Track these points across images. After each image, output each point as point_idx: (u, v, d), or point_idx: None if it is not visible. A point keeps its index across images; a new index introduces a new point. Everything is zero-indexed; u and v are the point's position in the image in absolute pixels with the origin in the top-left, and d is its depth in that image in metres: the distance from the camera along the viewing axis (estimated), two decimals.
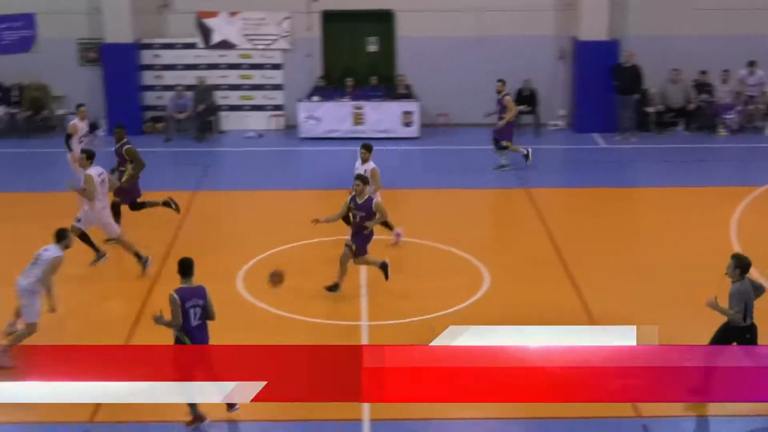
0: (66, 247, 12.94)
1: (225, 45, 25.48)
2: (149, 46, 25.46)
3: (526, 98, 24.93)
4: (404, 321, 13.95)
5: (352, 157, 22.75)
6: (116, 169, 17.26)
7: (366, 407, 11.49)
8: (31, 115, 24.80)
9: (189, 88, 25.11)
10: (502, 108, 21.33)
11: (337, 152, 23.55)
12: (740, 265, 11.25)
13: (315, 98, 24.94)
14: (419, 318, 13.99)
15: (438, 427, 11.44)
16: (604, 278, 15.50)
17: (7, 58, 24.83)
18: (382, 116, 24.65)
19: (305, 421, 11.31)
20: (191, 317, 10.86)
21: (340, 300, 14.69)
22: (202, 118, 24.92)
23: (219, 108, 25.46)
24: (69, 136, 18.97)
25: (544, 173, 22.11)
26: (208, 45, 25.49)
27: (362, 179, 14.77)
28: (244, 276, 15.56)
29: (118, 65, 24.88)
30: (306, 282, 14.96)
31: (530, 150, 21.51)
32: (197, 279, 11.12)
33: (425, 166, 22.73)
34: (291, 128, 25.22)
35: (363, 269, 15.63)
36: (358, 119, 24.64)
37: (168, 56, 25.55)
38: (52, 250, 12.82)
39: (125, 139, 17.47)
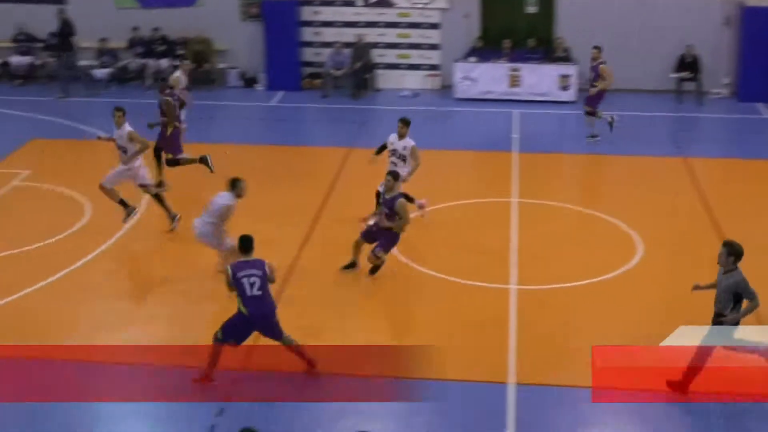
0: (238, 195, 13.20)
1: (384, 3, 25.56)
2: (309, 3, 25.75)
3: (689, 64, 24.21)
4: (553, 287, 13.84)
5: (507, 119, 22.83)
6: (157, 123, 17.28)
7: (512, 371, 11.51)
8: (194, 67, 25.39)
9: (347, 45, 25.34)
10: (596, 75, 20.76)
11: (492, 113, 23.46)
12: (734, 252, 10.59)
13: (472, 59, 24.82)
14: (568, 284, 13.86)
15: (577, 394, 11.27)
16: (764, 257, 14.80)
17: (172, 12, 25.61)
18: (539, 79, 24.37)
19: (452, 381, 11.39)
20: (246, 287, 11.01)
21: (488, 262, 14.65)
22: (358, 75, 25.13)
23: (376, 66, 25.63)
24: (171, 89, 18.73)
25: (703, 142, 21.56)
26: (367, 3, 25.63)
27: (394, 175, 13.98)
28: None
29: (279, 21, 25.25)
30: (455, 242, 14.99)
31: (614, 117, 20.79)
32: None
33: (582, 131, 22.37)
34: (446, 88, 25.19)
35: (513, 230, 15.63)
36: (514, 81, 24.43)
37: (327, 13, 25.81)
38: (224, 198, 13.19)
39: (167, 92, 17.34)
